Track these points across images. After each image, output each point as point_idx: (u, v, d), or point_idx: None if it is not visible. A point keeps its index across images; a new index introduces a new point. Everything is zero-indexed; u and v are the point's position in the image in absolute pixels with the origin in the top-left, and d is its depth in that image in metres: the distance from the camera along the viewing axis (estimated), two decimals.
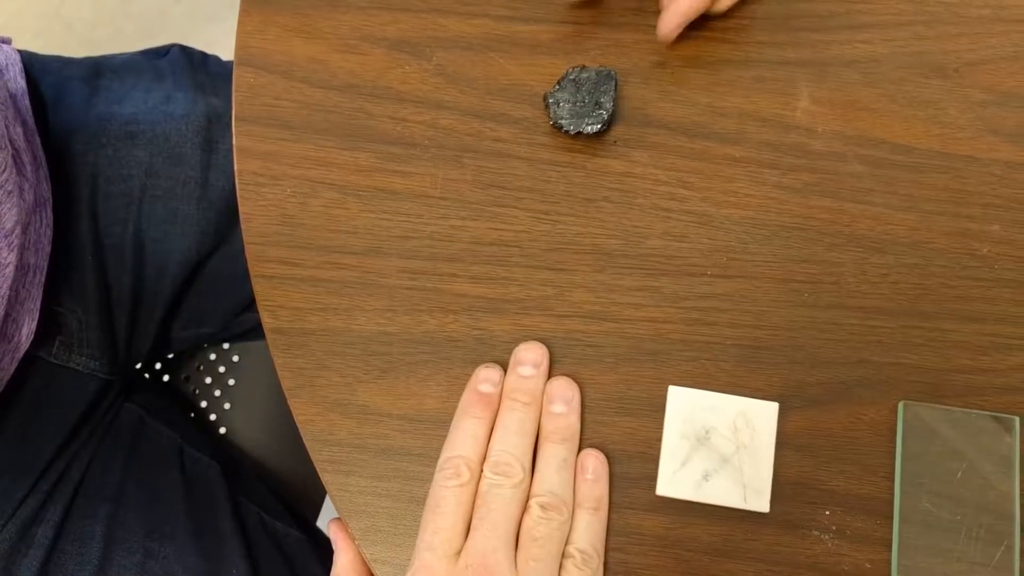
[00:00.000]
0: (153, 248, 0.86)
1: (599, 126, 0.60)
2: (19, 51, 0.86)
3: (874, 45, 0.65)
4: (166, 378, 1.00)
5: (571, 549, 0.54)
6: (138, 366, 0.98)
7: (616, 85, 0.61)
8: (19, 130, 0.77)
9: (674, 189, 0.62)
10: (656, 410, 0.58)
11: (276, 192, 0.62)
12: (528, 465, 0.56)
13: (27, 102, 0.82)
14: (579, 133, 0.61)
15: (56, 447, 0.80)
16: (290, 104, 0.64)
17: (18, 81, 0.83)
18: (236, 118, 0.64)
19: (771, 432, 0.57)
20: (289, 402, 0.59)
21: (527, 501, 0.55)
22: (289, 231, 0.62)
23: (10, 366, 0.76)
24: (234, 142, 0.63)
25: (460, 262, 0.61)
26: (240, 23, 0.66)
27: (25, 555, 0.77)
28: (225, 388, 0.99)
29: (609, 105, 0.60)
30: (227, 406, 0.99)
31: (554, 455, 0.56)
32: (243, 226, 0.62)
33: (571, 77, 0.61)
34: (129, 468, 0.83)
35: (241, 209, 0.62)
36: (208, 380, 1.00)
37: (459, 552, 0.53)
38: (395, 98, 0.64)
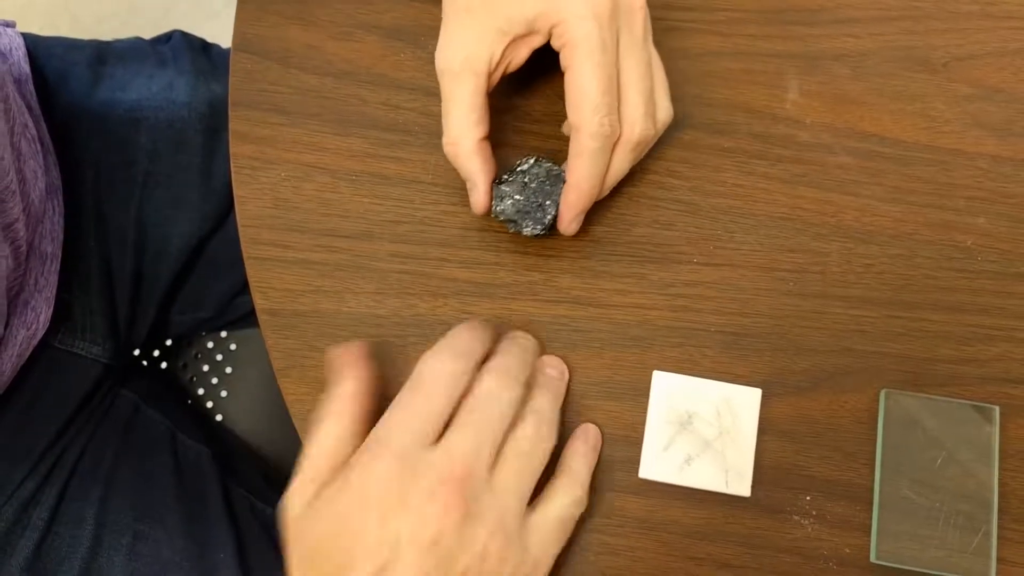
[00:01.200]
0: (154, 233, 0.86)
1: (540, 229, 0.59)
2: (23, 34, 0.86)
3: (863, 39, 0.65)
4: (164, 365, 1.00)
5: None
6: (136, 352, 0.98)
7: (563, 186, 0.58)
8: (28, 119, 0.78)
9: (662, 178, 0.63)
10: (640, 395, 0.59)
11: (270, 176, 0.63)
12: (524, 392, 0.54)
13: (31, 87, 0.83)
14: (518, 232, 0.59)
15: (55, 431, 0.80)
16: (286, 90, 0.64)
17: (22, 66, 0.83)
18: (232, 103, 0.64)
19: (753, 418, 0.57)
20: (279, 382, 0.60)
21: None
22: (282, 214, 0.62)
23: (26, 352, 0.77)
24: (230, 126, 0.64)
25: (450, 247, 0.61)
26: (238, 10, 0.66)
27: (21, 536, 0.77)
28: (222, 376, 1.00)
29: (552, 210, 0.58)
30: (224, 394, 0.99)
31: (543, 402, 0.55)
32: (237, 209, 0.62)
33: (520, 168, 0.59)
34: (121, 453, 0.83)
35: (236, 192, 0.63)
36: (205, 368, 1.00)
37: (433, 444, 0.50)
38: (389, 85, 0.64)
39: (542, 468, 0.53)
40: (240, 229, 0.62)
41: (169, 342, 1.01)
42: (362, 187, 0.63)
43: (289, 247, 0.62)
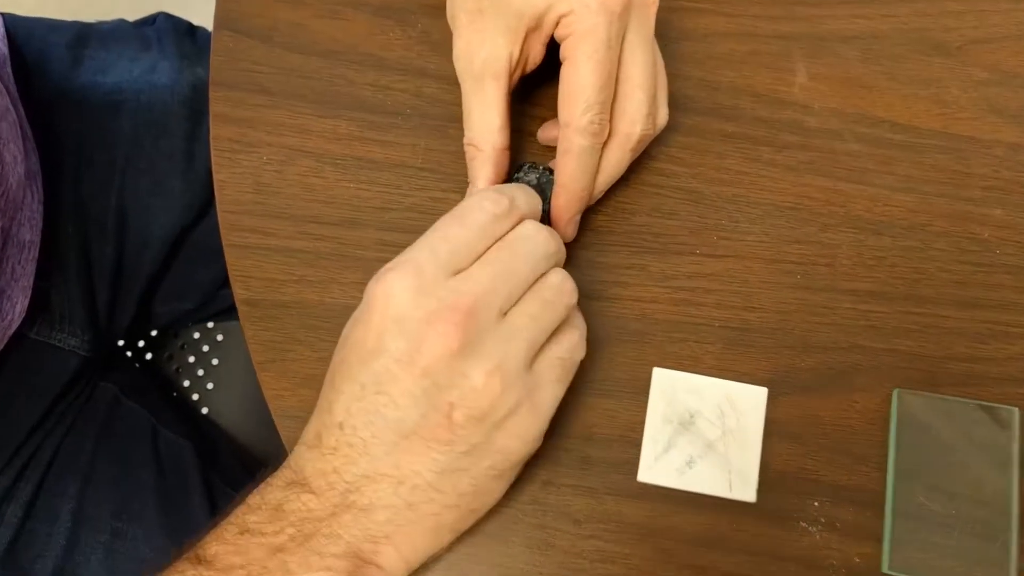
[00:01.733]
0: (136, 221, 0.85)
1: None
2: (2, 14, 0.85)
3: (874, 21, 0.63)
4: (149, 356, 0.99)
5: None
6: (120, 343, 0.98)
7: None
8: (6, 101, 0.76)
9: (664, 164, 0.61)
10: (639, 392, 0.56)
11: (252, 160, 0.61)
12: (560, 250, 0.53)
13: (9, 69, 0.81)
14: None
15: (31, 425, 0.79)
16: (269, 70, 0.62)
17: (0, 47, 0.82)
18: (213, 83, 0.62)
19: (759, 418, 0.55)
20: (258, 376, 0.58)
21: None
22: (264, 200, 0.60)
23: (0, 344, 0.75)
24: (210, 107, 0.62)
25: None
26: None
27: None
28: (208, 368, 0.98)
29: (546, 219, 0.56)
30: (209, 386, 0.98)
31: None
32: (217, 193, 0.61)
33: (515, 177, 0.57)
34: (100, 445, 0.82)
35: (215, 176, 0.61)
36: (191, 359, 0.99)
37: (456, 274, 0.49)
38: (377, 65, 0.62)
39: (558, 323, 0.51)
40: (220, 215, 0.60)
41: (154, 332, 0.99)
42: (348, 172, 0.61)
43: (271, 234, 0.60)
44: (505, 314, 0.49)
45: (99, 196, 0.84)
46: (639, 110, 0.54)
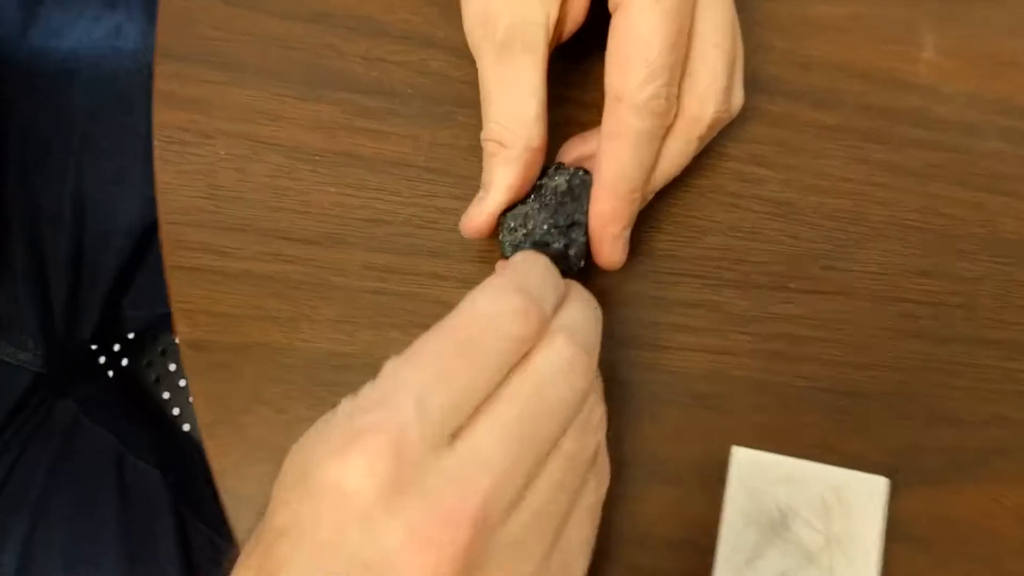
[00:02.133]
0: (96, 211, 0.80)
1: (569, 265, 0.44)
2: None
3: None
4: (124, 362, 0.94)
5: None
6: (94, 347, 0.93)
7: None
8: None
9: (744, 166, 0.51)
10: (712, 480, 0.48)
11: (205, 154, 0.51)
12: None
13: None
14: None
15: None
16: (233, 36, 0.52)
17: None
18: (159, 53, 0.52)
19: (877, 519, 0.46)
20: (205, 443, 0.48)
21: None
22: (219, 208, 0.50)
23: None
24: (154, 84, 0.52)
25: (447, 258, 0.50)
26: None
27: None
28: None
29: (585, 234, 0.44)
30: (191, 399, 0.89)
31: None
32: (159, 198, 0.50)
33: (538, 183, 0.45)
34: (55, 477, 0.77)
35: (157, 177, 0.51)
36: (171, 367, 0.96)
37: (451, 438, 0.34)
38: (373, 31, 0.52)
39: (587, 476, 0.38)
40: (161, 227, 0.50)
41: (131, 335, 0.95)
42: (328, 171, 0.51)
43: (226, 254, 0.50)
44: (524, 490, 0.35)
45: (52, 183, 0.78)
46: (713, 83, 0.43)
